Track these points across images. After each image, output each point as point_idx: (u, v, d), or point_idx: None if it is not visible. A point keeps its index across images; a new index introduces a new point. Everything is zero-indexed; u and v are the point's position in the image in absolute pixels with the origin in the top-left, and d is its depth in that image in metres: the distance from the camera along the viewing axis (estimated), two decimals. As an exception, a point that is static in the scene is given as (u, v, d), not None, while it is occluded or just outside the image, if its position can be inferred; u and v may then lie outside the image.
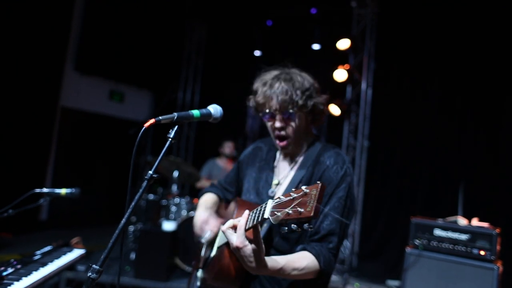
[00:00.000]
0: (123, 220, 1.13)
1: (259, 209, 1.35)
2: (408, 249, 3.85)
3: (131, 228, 5.10)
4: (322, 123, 1.94)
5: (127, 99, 8.26)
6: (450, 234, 3.69)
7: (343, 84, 6.38)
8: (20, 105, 6.19)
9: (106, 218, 7.51)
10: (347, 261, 5.95)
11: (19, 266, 2.24)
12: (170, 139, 1.31)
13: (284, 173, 1.92)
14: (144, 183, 1.21)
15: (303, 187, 1.15)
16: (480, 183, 5.17)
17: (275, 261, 1.48)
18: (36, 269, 2.23)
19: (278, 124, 1.80)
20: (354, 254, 6.16)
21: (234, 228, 1.43)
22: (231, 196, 2.23)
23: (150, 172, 1.22)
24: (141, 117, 8.23)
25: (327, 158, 1.83)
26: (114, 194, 7.79)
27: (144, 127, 1.25)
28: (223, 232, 1.43)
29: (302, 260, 1.57)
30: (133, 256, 4.82)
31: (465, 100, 5.57)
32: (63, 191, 2.23)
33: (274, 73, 1.86)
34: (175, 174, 4.92)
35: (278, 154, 2.01)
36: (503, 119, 5.23)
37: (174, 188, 5.05)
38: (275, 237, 1.78)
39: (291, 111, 1.78)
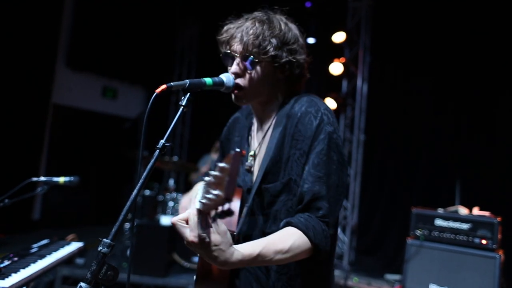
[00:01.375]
0: (135, 191, 1.07)
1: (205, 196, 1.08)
2: (409, 240, 3.83)
3: (127, 225, 5.01)
4: (300, 89, 1.62)
5: (120, 96, 8.16)
6: (451, 224, 3.66)
7: (339, 77, 6.35)
8: (11, 102, 6.07)
9: (99, 216, 7.41)
10: (345, 256, 5.92)
11: (16, 259, 2.16)
12: (182, 107, 1.25)
13: (258, 140, 1.64)
14: (156, 152, 1.15)
15: (222, 162, 0.94)
16: (477, 173, 5.17)
17: (250, 247, 1.20)
18: (34, 261, 2.16)
19: (233, 68, 1.48)
20: (352, 249, 6.13)
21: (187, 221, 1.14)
22: None
23: (162, 141, 1.16)
24: (134, 113, 8.14)
25: (298, 108, 1.50)
26: (108, 192, 7.69)
27: (155, 93, 1.19)
28: (173, 224, 1.14)
29: (285, 238, 1.28)
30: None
31: (460, 92, 5.57)
32: (61, 179, 2.15)
33: (255, 13, 1.54)
34: (171, 183, 4.83)
35: (254, 121, 1.70)
36: (498, 109, 5.24)
37: (171, 182, 4.98)
38: (259, 217, 1.53)
39: (252, 57, 1.46)
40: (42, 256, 2.26)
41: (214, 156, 5.98)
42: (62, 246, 2.50)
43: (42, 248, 2.42)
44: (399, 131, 6.07)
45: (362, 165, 6.31)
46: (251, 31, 1.46)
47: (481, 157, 5.20)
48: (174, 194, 4.80)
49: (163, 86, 1.22)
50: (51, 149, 7.07)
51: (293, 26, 1.54)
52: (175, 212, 4.64)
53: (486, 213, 3.64)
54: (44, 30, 6.45)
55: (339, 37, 6.14)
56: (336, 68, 6.11)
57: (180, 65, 8.62)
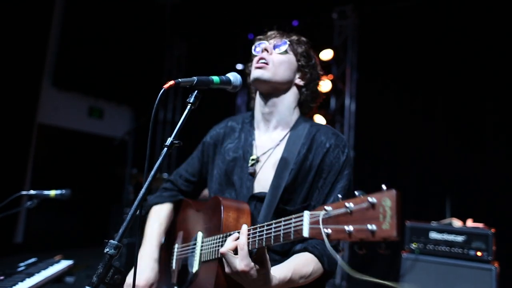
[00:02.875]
0: (143, 190, 1.01)
1: (274, 225, 1.14)
2: (404, 254, 3.78)
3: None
4: (312, 112, 1.79)
5: (107, 116, 8.07)
6: (446, 237, 3.64)
7: (327, 94, 6.39)
8: (-6, 121, 5.95)
9: (86, 238, 7.21)
10: (338, 272, 5.84)
11: (2, 277, 2.05)
12: (190, 104, 1.22)
13: (266, 148, 1.66)
14: (164, 150, 1.10)
15: (367, 197, 0.85)
16: (467, 185, 5.20)
17: (282, 274, 1.33)
18: (21, 280, 2.05)
19: (263, 45, 1.67)
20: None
21: (234, 250, 1.24)
22: (192, 188, 1.92)
23: (171, 138, 1.12)
24: (121, 134, 8.02)
25: (325, 139, 1.60)
26: (93, 214, 7.51)
27: (163, 89, 1.17)
28: (224, 255, 1.25)
29: (307, 265, 1.42)
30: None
31: (449, 106, 5.65)
32: (52, 192, 2.06)
33: None
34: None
35: (256, 125, 1.76)
36: (486, 122, 5.32)
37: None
38: None
39: (283, 39, 1.67)
40: (30, 275, 2.16)
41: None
42: (51, 264, 2.39)
43: (29, 267, 2.31)
44: (388, 147, 6.10)
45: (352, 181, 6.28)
46: (288, 34, 1.71)
47: (470, 169, 5.24)
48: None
49: (171, 82, 1.22)
50: (35, 170, 6.90)
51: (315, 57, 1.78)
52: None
53: (480, 225, 3.63)
54: (30, 48, 6.38)
55: (326, 54, 6.21)
56: (324, 85, 6.15)
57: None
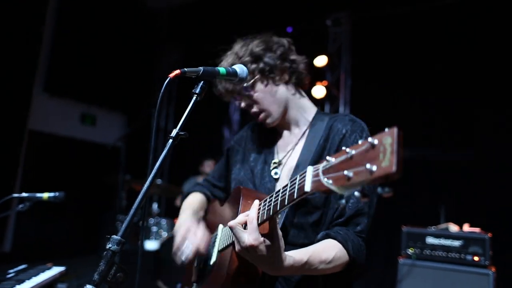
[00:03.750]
0: (147, 183, 0.98)
1: (281, 190, 1.08)
2: (401, 260, 3.76)
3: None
4: (305, 86, 1.72)
5: (99, 122, 7.98)
6: (442, 242, 3.62)
7: (322, 100, 6.39)
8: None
9: (77, 247, 7.08)
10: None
11: (-10, 285, 1.98)
12: (195, 95, 1.19)
13: (287, 148, 1.66)
14: (170, 141, 1.07)
15: (368, 139, 0.80)
16: (462, 191, 5.20)
17: (298, 256, 1.22)
18: (11, 286, 1.98)
19: (242, 105, 1.63)
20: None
21: (244, 224, 1.17)
22: (221, 193, 1.96)
23: (176, 129, 1.08)
24: (113, 140, 7.94)
25: (342, 126, 1.54)
26: (85, 222, 7.39)
27: (169, 78, 1.15)
28: (231, 228, 1.17)
29: (328, 250, 1.30)
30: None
31: (442, 111, 5.67)
32: (45, 195, 2.01)
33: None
34: (155, 207, 4.68)
35: (277, 131, 1.74)
36: (480, 126, 5.34)
37: (155, 207, 4.82)
38: (290, 228, 1.51)
39: (244, 86, 1.57)
40: (20, 281, 2.08)
41: (201, 180, 5.86)
42: (43, 271, 2.32)
43: (19, 273, 2.24)
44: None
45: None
46: (230, 65, 1.54)
47: (465, 174, 5.25)
48: (157, 219, 4.63)
49: (177, 71, 1.21)
50: (26, 179, 6.77)
51: (261, 39, 1.64)
52: (159, 237, 4.47)
53: (477, 229, 3.62)
54: (21, 53, 6.30)
55: (321, 60, 6.23)
56: (318, 91, 6.17)
57: (161, 90, 8.53)
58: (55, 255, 6.51)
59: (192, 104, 1.21)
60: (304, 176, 0.96)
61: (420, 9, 5.90)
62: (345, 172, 0.81)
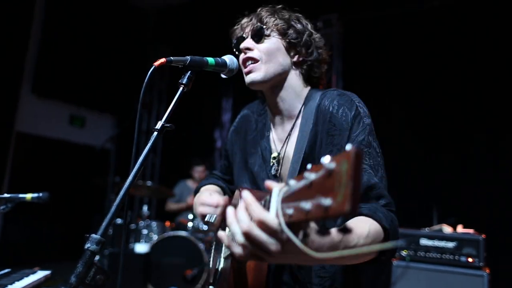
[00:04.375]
0: (129, 178, 0.91)
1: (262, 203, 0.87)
2: (394, 262, 3.72)
3: (97, 257, 4.67)
4: (321, 81, 1.57)
5: (88, 124, 7.87)
6: (436, 243, 3.59)
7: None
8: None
9: (65, 250, 6.95)
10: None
11: (-30, 290, 1.89)
12: (182, 86, 1.13)
13: (283, 139, 1.51)
14: (155, 134, 1.01)
15: (324, 160, 0.65)
16: (454, 193, 5.19)
17: (327, 239, 0.89)
18: (-7, 292, 1.90)
19: (245, 43, 1.44)
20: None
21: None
22: (228, 186, 1.85)
23: (161, 121, 1.02)
24: (103, 142, 7.84)
25: (329, 102, 1.39)
26: (74, 225, 7.25)
27: (154, 66, 1.08)
28: (229, 226, 0.89)
29: (361, 224, 1.06)
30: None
31: (434, 114, 5.66)
32: (28, 195, 1.92)
33: None
34: (145, 209, 4.60)
35: (269, 117, 1.59)
36: (471, 127, 5.34)
37: (145, 209, 4.73)
38: None
39: (262, 28, 1.43)
40: (2, 286, 2.00)
41: (191, 184, 5.77)
42: (27, 275, 2.23)
43: (2, 278, 2.14)
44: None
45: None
46: (260, 14, 1.47)
47: (457, 176, 5.24)
48: (147, 222, 4.55)
49: (162, 60, 1.14)
50: (13, 181, 6.63)
51: (295, 14, 1.53)
52: (149, 240, 4.38)
53: (470, 231, 3.60)
54: (8, 53, 6.18)
55: (312, 62, 6.19)
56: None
57: (150, 93, 8.46)
58: (42, 259, 6.37)
59: (179, 95, 1.14)
60: (269, 202, 0.81)
61: (413, 10, 5.90)
62: (303, 203, 0.68)
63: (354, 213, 0.60)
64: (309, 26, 1.53)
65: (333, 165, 0.63)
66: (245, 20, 1.53)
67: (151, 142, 1.04)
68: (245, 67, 1.44)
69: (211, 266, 1.71)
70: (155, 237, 4.42)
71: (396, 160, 5.84)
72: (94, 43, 7.49)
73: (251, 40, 1.45)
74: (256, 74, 1.42)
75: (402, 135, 5.85)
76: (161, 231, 4.53)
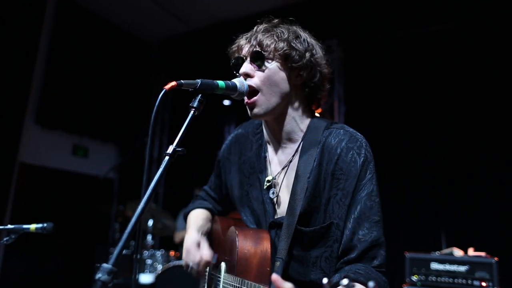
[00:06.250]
0: (141, 204, 0.89)
1: None
2: (405, 287, 3.62)
3: None
4: (322, 101, 1.53)
5: (91, 154, 7.86)
6: (448, 267, 3.50)
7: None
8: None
9: (69, 282, 6.83)
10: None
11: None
12: (193, 109, 1.12)
13: (281, 164, 1.48)
14: (166, 158, 0.99)
15: (343, 282, 0.71)
16: (462, 216, 5.12)
17: None
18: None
19: (244, 68, 1.39)
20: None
21: None
22: (215, 204, 1.84)
23: (173, 146, 1.01)
24: (106, 172, 7.82)
25: (336, 142, 1.37)
26: (76, 257, 7.14)
27: (164, 90, 1.07)
28: None
29: None
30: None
31: (437, 137, 5.65)
32: (32, 226, 1.88)
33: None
34: (150, 223, 4.55)
35: (265, 140, 1.57)
36: (474, 151, 5.32)
37: (149, 238, 4.66)
38: (291, 262, 1.38)
39: (262, 53, 1.36)
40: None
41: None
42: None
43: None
44: (378, 179, 6.01)
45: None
46: (260, 34, 1.40)
47: (464, 199, 5.19)
48: (152, 251, 4.47)
49: (173, 83, 1.13)
50: (16, 213, 6.57)
51: (306, 34, 1.50)
52: (153, 270, 4.30)
53: (482, 254, 3.52)
54: (13, 84, 6.23)
55: (314, 87, 6.23)
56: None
57: (153, 122, 8.47)
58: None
59: (190, 119, 1.13)
60: None
61: (413, 34, 5.98)
62: None
63: None
64: (308, 41, 1.47)
65: None
66: (243, 40, 1.47)
67: (163, 166, 1.03)
68: (246, 97, 1.41)
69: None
70: (159, 267, 4.34)
71: (401, 184, 5.80)
72: (97, 74, 7.58)
73: (250, 65, 1.40)
74: (258, 108, 1.40)
75: (407, 160, 5.82)
76: (165, 261, 4.45)
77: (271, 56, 1.39)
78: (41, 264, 6.69)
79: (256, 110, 1.40)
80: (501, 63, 5.30)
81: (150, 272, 4.25)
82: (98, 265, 0.82)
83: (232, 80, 1.34)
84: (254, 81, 1.39)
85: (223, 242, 1.67)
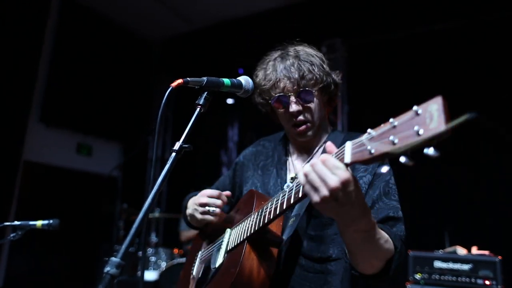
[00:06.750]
0: (147, 202, 0.90)
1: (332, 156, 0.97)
2: (408, 286, 3.62)
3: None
4: (334, 105, 1.73)
5: (95, 152, 7.89)
6: (451, 265, 3.51)
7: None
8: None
9: (71, 281, 6.86)
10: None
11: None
12: (199, 106, 1.13)
13: (301, 164, 1.63)
14: (173, 155, 1.00)
15: (413, 107, 0.81)
16: (465, 215, 5.12)
17: (367, 213, 1.09)
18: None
19: (294, 107, 1.50)
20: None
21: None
22: (224, 207, 1.91)
23: (179, 142, 1.02)
24: (109, 170, 7.85)
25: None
26: (80, 254, 7.17)
27: (171, 87, 1.08)
28: (314, 166, 0.96)
29: (386, 236, 1.24)
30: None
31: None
32: (38, 223, 1.91)
33: (275, 54, 1.60)
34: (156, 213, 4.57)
35: (290, 147, 1.72)
36: (480, 146, 5.30)
37: (153, 236, 4.68)
38: (303, 239, 1.44)
39: (308, 89, 1.49)
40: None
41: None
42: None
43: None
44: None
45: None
46: (293, 68, 1.49)
47: (467, 198, 5.18)
48: (156, 249, 4.50)
49: (180, 80, 1.15)
50: (20, 210, 6.60)
51: (314, 51, 1.64)
52: (157, 267, 4.32)
53: (486, 252, 3.52)
54: (17, 83, 6.27)
55: (317, 86, 6.23)
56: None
57: (156, 121, 8.51)
58: (48, 290, 6.30)
59: (196, 116, 1.15)
60: (343, 149, 0.93)
61: (416, 33, 5.98)
62: (390, 137, 0.81)
63: (448, 134, 0.74)
64: (325, 61, 1.62)
65: (420, 110, 0.80)
66: (273, 75, 1.54)
67: (170, 163, 1.04)
68: (297, 126, 1.55)
69: (193, 274, 1.70)
70: (163, 265, 4.36)
71: (405, 182, 5.79)
72: (100, 73, 7.61)
73: (298, 102, 1.52)
74: (309, 134, 1.58)
75: (412, 158, 5.81)
76: (169, 258, 4.47)
77: (312, 91, 1.53)
78: (45, 261, 6.73)
79: (308, 136, 1.58)
80: (506, 62, 5.29)
81: (154, 269, 4.27)
82: (106, 259, 0.83)
83: (238, 78, 1.37)
84: (305, 117, 1.54)
85: (225, 220, 1.70)
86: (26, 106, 6.54)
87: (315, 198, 0.96)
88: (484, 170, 5.20)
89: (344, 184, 0.93)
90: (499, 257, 3.35)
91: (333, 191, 0.93)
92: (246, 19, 7.31)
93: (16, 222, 1.94)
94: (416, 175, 5.68)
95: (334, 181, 0.92)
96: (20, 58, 6.32)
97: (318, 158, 0.97)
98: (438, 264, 3.57)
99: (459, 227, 5.11)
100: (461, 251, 3.62)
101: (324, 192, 0.93)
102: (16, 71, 6.26)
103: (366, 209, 1.05)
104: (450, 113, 0.77)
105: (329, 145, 1.02)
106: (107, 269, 0.81)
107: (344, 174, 0.93)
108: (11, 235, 1.95)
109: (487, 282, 3.32)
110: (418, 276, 3.60)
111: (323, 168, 0.94)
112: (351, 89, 6.56)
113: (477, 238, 4.62)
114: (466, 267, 3.44)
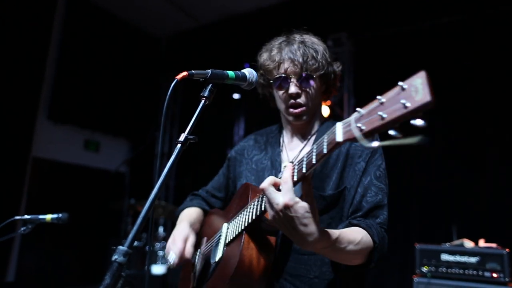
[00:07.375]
0: (153, 192, 0.92)
1: (309, 150, 1.07)
2: (415, 278, 3.63)
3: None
4: (331, 96, 1.77)
5: (103, 148, 7.96)
6: (458, 258, 3.50)
7: (326, 120, 6.36)
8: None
9: (81, 277, 6.94)
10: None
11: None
12: (204, 98, 1.15)
13: (295, 152, 1.65)
14: (178, 146, 1.02)
15: (398, 83, 0.85)
16: (473, 208, 5.10)
17: (329, 230, 1.16)
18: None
19: (293, 89, 1.55)
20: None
21: (276, 186, 1.11)
22: (219, 204, 1.93)
23: (185, 134, 1.03)
24: (117, 166, 7.91)
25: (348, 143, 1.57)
26: (89, 250, 7.25)
27: (176, 80, 1.10)
28: (264, 190, 1.10)
29: (355, 233, 1.28)
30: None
31: (448, 129, 5.61)
32: (48, 216, 1.94)
33: (281, 38, 1.65)
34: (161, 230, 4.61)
35: (283, 136, 1.76)
36: (488, 143, 5.27)
37: (160, 230, 4.72)
38: None
39: (309, 74, 1.55)
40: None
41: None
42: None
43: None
44: (388, 170, 6.00)
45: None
46: (299, 52, 1.55)
47: (475, 191, 5.16)
48: (163, 243, 4.54)
49: (184, 73, 1.16)
50: (30, 206, 6.69)
51: (318, 41, 1.67)
52: (165, 261, 4.36)
53: (493, 245, 3.51)
54: (25, 81, 6.33)
55: (323, 80, 6.23)
56: (322, 111, 6.13)
57: (166, 112, 8.54)
58: (60, 284, 6.38)
59: (201, 108, 1.16)
60: (334, 129, 0.98)
61: (421, 28, 5.94)
62: (379, 113, 0.85)
63: (433, 104, 0.78)
64: (327, 51, 1.66)
65: (405, 85, 0.84)
66: (277, 56, 1.59)
67: (176, 154, 1.06)
68: (294, 108, 1.60)
69: (195, 270, 1.72)
70: (171, 259, 4.41)
71: (412, 175, 5.78)
72: (107, 69, 7.65)
73: (297, 86, 1.57)
74: (304, 118, 1.62)
75: (418, 151, 5.80)
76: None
77: (313, 77, 1.57)
78: (55, 257, 6.81)
79: (304, 118, 1.62)
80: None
81: (161, 263, 4.31)
82: (114, 247, 0.85)
83: (242, 70, 1.38)
84: (303, 100, 1.59)
85: (223, 215, 1.73)
86: (34, 104, 6.61)
87: (269, 211, 1.13)
88: (491, 163, 5.17)
89: (289, 205, 1.05)
90: (507, 250, 3.34)
91: (279, 211, 1.07)
92: (251, 14, 7.30)
93: (26, 216, 1.97)
94: (424, 169, 5.68)
95: (283, 198, 1.08)
96: (27, 56, 6.37)
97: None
98: (445, 257, 3.56)
99: (466, 220, 5.10)
100: (468, 244, 3.61)
101: (272, 210, 1.11)
102: (24, 69, 6.32)
103: (315, 232, 1.09)
104: (434, 88, 0.83)
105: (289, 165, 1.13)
106: (114, 257, 0.83)
107: (287, 199, 1.06)
108: (22, 228, 1.98)
109: (495, 275, 3.31)
110: (425, 269, 3.61)
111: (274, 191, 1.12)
112: (357, 82, 6.54)
113: (484, 231, 4.61)
114: (473, 260, 3.44)
